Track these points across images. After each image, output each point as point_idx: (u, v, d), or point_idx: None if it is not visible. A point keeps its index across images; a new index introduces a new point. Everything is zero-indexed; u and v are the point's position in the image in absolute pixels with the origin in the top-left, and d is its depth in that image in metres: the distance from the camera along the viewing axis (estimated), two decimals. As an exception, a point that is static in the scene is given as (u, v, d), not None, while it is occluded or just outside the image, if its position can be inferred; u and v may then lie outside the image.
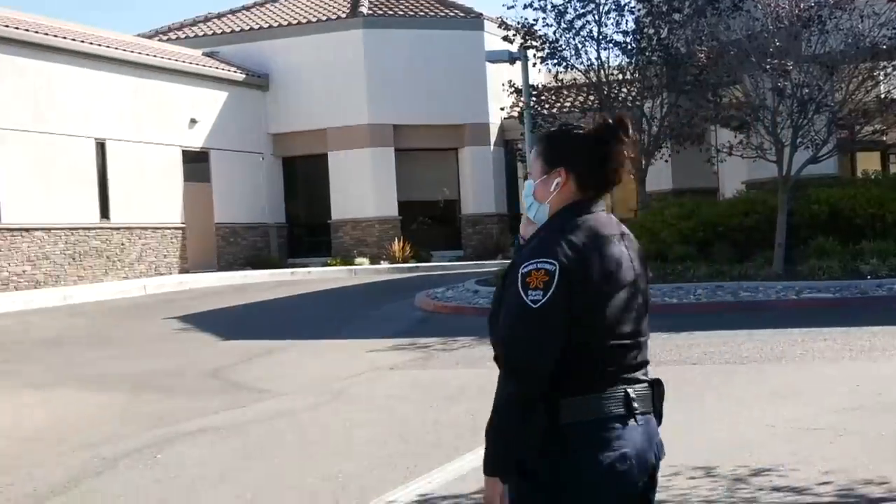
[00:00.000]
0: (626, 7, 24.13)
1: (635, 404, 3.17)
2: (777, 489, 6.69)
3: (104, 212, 28.43)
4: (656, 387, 3.29)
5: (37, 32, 27.09)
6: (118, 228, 28.85)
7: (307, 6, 37.19)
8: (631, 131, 3.34)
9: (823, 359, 11.88)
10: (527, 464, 3.13)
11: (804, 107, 18.65)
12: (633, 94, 24.55)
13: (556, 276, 3.10)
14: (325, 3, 37.00)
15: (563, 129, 3.44)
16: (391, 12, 35.38)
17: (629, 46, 23.91)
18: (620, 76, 24.69)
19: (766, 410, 9.17)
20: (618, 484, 3.11)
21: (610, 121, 3.33)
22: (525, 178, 3.44)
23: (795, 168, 19.04)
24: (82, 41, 28.55)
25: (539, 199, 3.33)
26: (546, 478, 3.13)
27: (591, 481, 3.10)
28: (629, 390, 3.18)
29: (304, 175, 35.51)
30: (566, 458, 3.12)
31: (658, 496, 6.53)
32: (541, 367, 3.09)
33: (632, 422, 3.15)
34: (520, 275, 3.15)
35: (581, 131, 3.35)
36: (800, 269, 18.27)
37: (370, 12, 34.89)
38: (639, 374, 3.25)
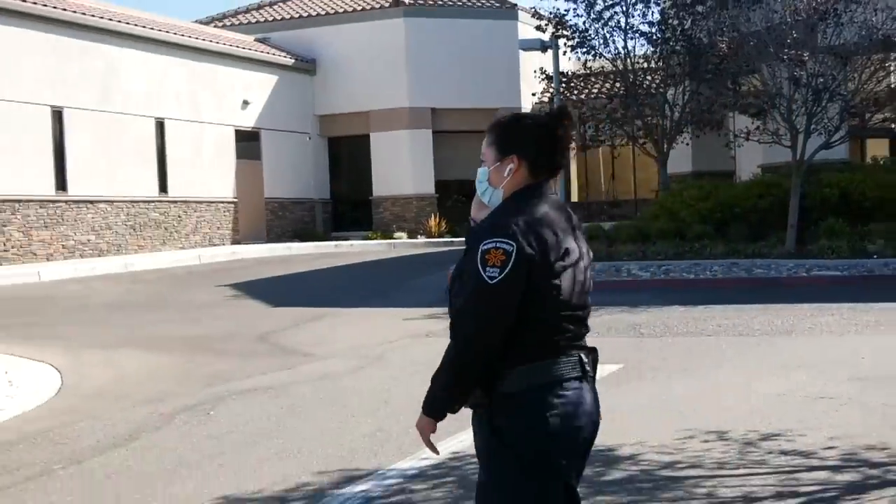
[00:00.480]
0: (652, 0, 24.04)
1: (587, 368, 3.35)
2: (785, 453, 6.71)
3: (163, 186, 28.63)
4: (595, 354, 3.45)
5: (102, 18, 27.22)
6: (175, 202, 29.04)
7: (352, -4, 37.22)
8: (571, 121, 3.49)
9: (831, 332, 11.86)
10: (495, 421, 3.28)
11: (818, 95, 18.57)
12: (657, 81, 24.49)
13: (514, 256, 3.19)
14: (370, -6, 37.01)
15: (513, 119, 3.50)
16: (430, 2, 35.27)
17: (654, 37, 23.86)
18: (645, 64, 24.66)
19: (776, 380, 9.19)
20: (573, 438, 3.29)
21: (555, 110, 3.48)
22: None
23: (809, 153, 18.96)
24: (144, 27, 28.68)
25: (493, 184, 3.42)
26: (512, 434, 3.26)
27: (552, 434, 3.24)
28: (582, 355, 3.34)
29: (347, 154, 35.57)
30: (530, 416, 3.24)
31: (674, 458, 6.69)
32: (487, 340, 3.22)
33: (585, 384, 3.33)
34: (480, 251, 3.23)
35: (530, 121, 3.46)
36: (810, 249, 18.21)
37: (411, 2, 34.80)
38: (586, 343, 3.41)
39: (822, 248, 17.95)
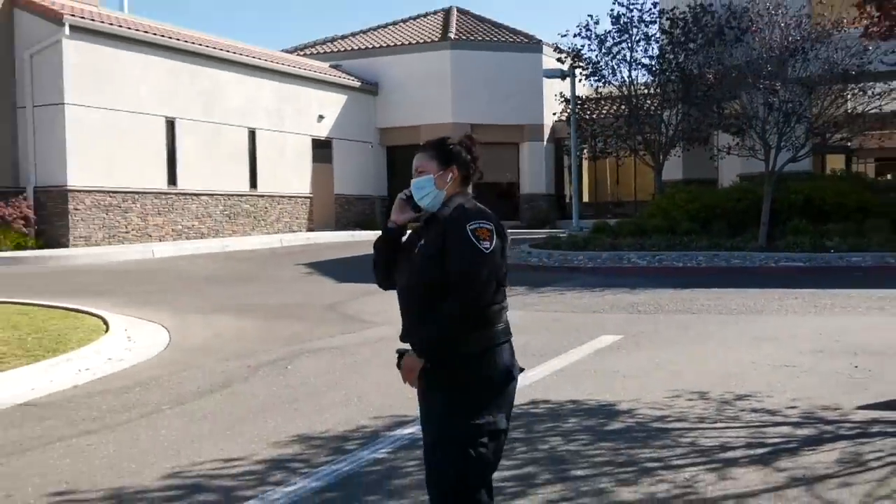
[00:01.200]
0: (653, 38, 23.91)
1: (510, 331, 3.47)
2: (755, 410, 6.65)
3: (253, 183, 28.78)
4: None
5: (208, 46, 27.39)
6: (263, 196, 29.18)
7: (408, 31, 37.19)
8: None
9: (795, 313, 11.72)
10: (458, 376, 3.34)
11: (788, 118, 18.43)
12: (655, 104, 24.27)
13: (493, 233, 3.34)
14: (422, 30, 36.99)
15: (445, 140, 3.62)
16: (472, 38, 35.27)
17: (654, 68, 23.72)
18: (646, 91, 24.48)
19: (748, 351, 9.09)
20: (511, 384, 3.42)
21: (469, 137, 3.66)
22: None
23: (779, 165, 18.78)
24: (241, 54, 28.82)
25: (439, 187, 3.50)
26: (469, 383, 3.34)
27: (499, 382, 3.37)
28: (507, 320, 3.47)
29: (401, 160, 35.46)
30: (487, 369, 3.35)
31: (663, 413, 6.64)
32: (487, 297, 3.32)
33: (510, 344, 3.46)
34: (468, 231, 3.31)
35: (456, 142, 3.60)
36: (779, 244, 18.01)
37: (456, 37, 34.81)
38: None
39: (788, 243, 17.77)
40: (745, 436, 5.99)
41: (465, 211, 3.40)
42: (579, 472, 5.26)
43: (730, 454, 5.58)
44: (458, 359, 3.33)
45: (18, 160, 23.39)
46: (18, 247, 21.74)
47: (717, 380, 7.73)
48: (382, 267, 3.65)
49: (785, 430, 6.13)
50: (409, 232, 3.61)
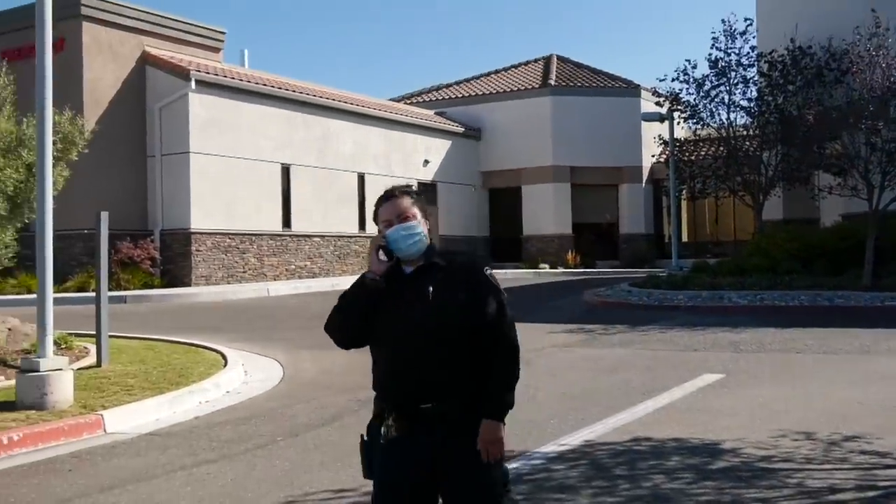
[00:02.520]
0: (751, 80, 23.43)
1: None
2: (864, 452, 6.33)
3: (362, 225, 29.17)
4: None
5: (321, 97, 28.06)
6: (371, 236, 29.46)
7: (510, 79, 37.39)
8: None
9: (902, 353, 11.20)
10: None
11: (891, 157, 17.84)
12: (755, 145, 23.70)
13: None
14: (523, 77, 37.15)
15: (415, 190, 3.45)
16: (572, 84, 35.23)
17: (752, 110, 23.20)
18: (745, 132, 23.96)
19: (855, 391, 8.71)
20: None
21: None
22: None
23: (883, 204, 18.13)
24: (352, 104, 29.41)
25: (425, 233, 3.28)
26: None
27: None
28: None
29: (503, 201, 35.57)
30: None
31: (767, 453, 6.39)
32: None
33: None
34: (489, 276, 3.23)
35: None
36: (884, 283, 17.29)
37: (556, 84, 34.82)
38: None
39: (893, 282, 17.05)
40: (855, 478, 5.70)
41: (471, 256, 3.36)
42: (684, 511, 5.09)
43: (839, 496, 5.32)
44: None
45: (147, 205, 24.31)
46: (145, 285, 22.49)
47: (824, 420, 7.40)
48: (356, 321, 3.24)
49: (896, 472, 5.82)
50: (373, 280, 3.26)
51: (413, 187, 3.44)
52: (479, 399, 3.14)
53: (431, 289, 3.16)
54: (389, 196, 3.33)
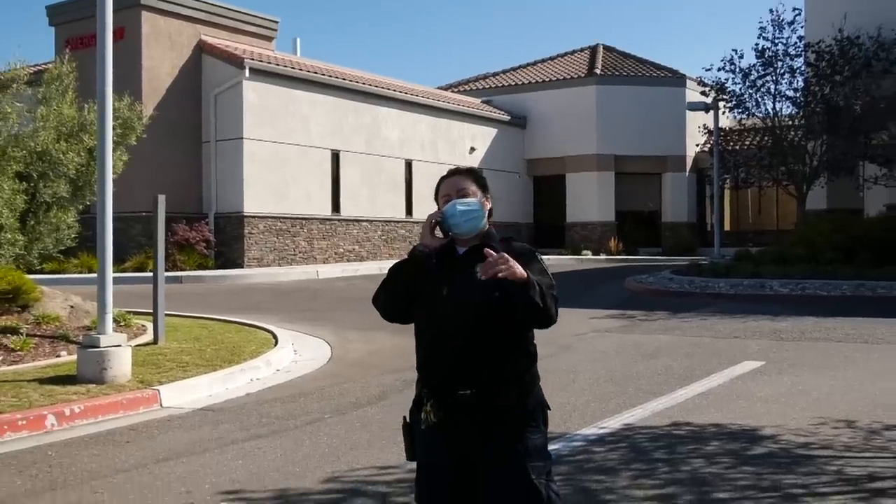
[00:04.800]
0: (798, 70, 23.04)
1: None
2: (904, 441, 6.24)
3: (409, 210, 29.25)
4: None
5: (370, 85, 28.11)
6: (418, 222, 29.56)
7: (555, 68, 37.15)
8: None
9: (946, 344, 10.98)
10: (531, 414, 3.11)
11: (938, 148, 17.41)
12: (800, 135, 23.34)
13: None
14: (569, 66, 36.88)
15: (481, 171, 3.34)
16: (617, 73, 34.88)
17: (798, 100, 22.87)
18: (790, 122, 23.59)
19: (896, 380, 8.57)
20: None
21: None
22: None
23: (928, 195, 17.74)
24: (400, 91, 29.44)
25: (485, 214, 3.15)
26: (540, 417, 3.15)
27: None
28: None
29: (547, 189, 35.43)
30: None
31: (806, 440, 6.32)
32: (555, 318, 3.05)
33: None
34: (539, 259, 3.09)
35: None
36: (928, 274, 16.95)
37: (602, 73, 34.51)
38: None
39: (938, 273, 16.69)
40: (895, 466, 5.62)
41: (524, 244, 3.19)
42: (721, 495, 5.05)
43: (878, 484, 5.25)
44: (524, 393, 3.08)
45: (202, 189, 24.62)
46: (200, 266, 22.79)
47: (864, 408, 7.29)
48: (402, 295, 3.13)
49: (937, 461, 5.72)
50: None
51: (478, 168, 3.37)
52: (522, 389, 3.03)
53: (479, 270, 2.95)
54: (453, 173, 3.26)
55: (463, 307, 3.00)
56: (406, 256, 3.18)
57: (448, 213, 3.09)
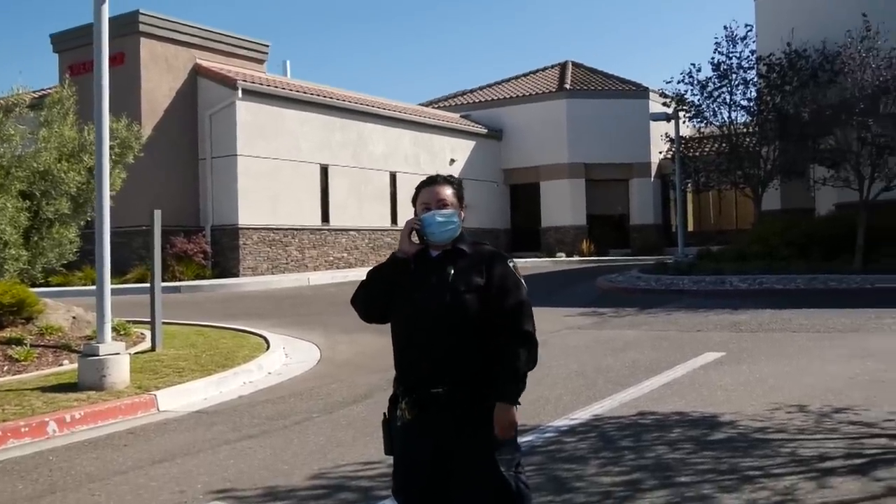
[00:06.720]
0: (751, 82, 23.12)
1: None
2: (853, 423, 6.22)
3: (393, 219, 29.15)
4: None
5: (356, 103, 28.03)
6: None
7: (528, 84, 37.18)
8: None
9: (891, 331, 11.02)
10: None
11: (881, 151, 17.57)
12: (754, 142, 23.40)
13: None
14: (541, 82, 36.93)
15: (458, 180, 3.24)
16: (586, 87, 34.94)
17: (752, 109, 22.89)
18: (745, 130, 23.66)
19: (846, 366, 8.57)
20: None
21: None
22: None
23: (873, 194, 17.85)
24: (383, 108, 29.36)
25: (460, 222, 3.11)
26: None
27: None
28: None
29: (523, 196, 35.41)
30: None
31: (762, 424, 6.29)
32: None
33: None
34: (513, 267, 3.02)
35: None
36: (874, 266, 17.04)
37: (571, 87, 34.58)
38: None
39: (883, 266, 16.79)
40: (844, 447, 5.59)
41: (494, 248, 3.12)
42: (684, 479, 5.01)
43: (828, 464, 5.22)
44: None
45: (199, 203, 24.45)
46: (197, 276, 22.63)
47: (816, 393, 7.28)
48: (380, 297, 3.10)
49: (882, 441, 5.70)
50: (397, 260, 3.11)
51: (455, 177, 3.27)
52: (492, 384, 2.93)
53: (452, 271, 2.97)
54: (432, 181, 3.17)
55: (436, 308, 2.94)
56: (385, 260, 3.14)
57: (427, 222, 3.05)
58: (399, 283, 3.04)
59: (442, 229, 3.05)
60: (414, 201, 3.18)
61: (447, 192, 3.13)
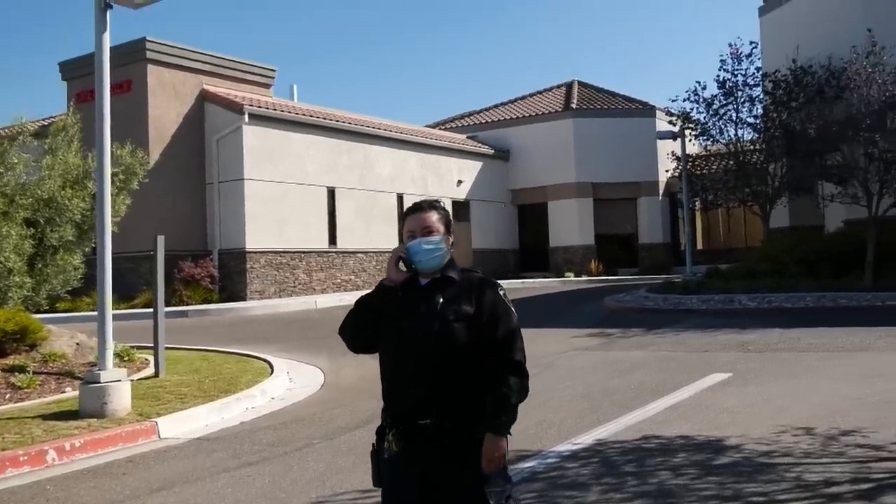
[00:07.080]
0: (756, 99, 23.08)
1: None
2: (860, 446, 6.11)
3: (401, 241, 28.97)
4: None
5: (362, 126, 28.11)
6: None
7: (535, 104, 37.24)
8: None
9: (901, 350, 10.88)
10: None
11: (888, 167, 17.45)
12: (761, 159, 23.31)
13: None
14: (547, 102, 36.98)
15: (442, 206, 3.16)
16: (592, 106, 34.99)
17: (758, 126, 22.86)
18: (752, 147, 23.59)
19: (854, 387, 8.44)
20: None
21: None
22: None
23: (882, 210, 17.73)
24: (390, 130, 29.43)
25: (447, 249, 3.03)
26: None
27: None
28: None
29: (531, 216, 35.38)
30: None
31: (768, 448, 6.18)
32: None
33: None
34: (503, 296, 2.96)
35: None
36: (884, 283, 16.88)
37: (578, 107, 34.62)
38: None
39: (893, 283, 16.62)
40: (850, 471, 5.49)
41: (484, 275, 3.05)
42: (686, 506, 4.92)
43: (834, 489, 5.12)
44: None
45: (206, 227, 24.51)
46: (205, 300, 22.63)
47: (824, 415, 7.17)
48: (367, 326, 3.03)
49: (891, 465, 5.59)
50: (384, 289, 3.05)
51: (441, 202, 3.21)
52: (482, 414, 2.86)
53: (441, 300, 2.91)
54: (417, 209, 3.11)
55: (424, 337, 2.88)
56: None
57: (413, 251, 3.00)
58: (386, 311, 2.98)
59: (429, 257, 2.99)
60: (401, 229, 3.14)
61: (433, 218, 3.06)
